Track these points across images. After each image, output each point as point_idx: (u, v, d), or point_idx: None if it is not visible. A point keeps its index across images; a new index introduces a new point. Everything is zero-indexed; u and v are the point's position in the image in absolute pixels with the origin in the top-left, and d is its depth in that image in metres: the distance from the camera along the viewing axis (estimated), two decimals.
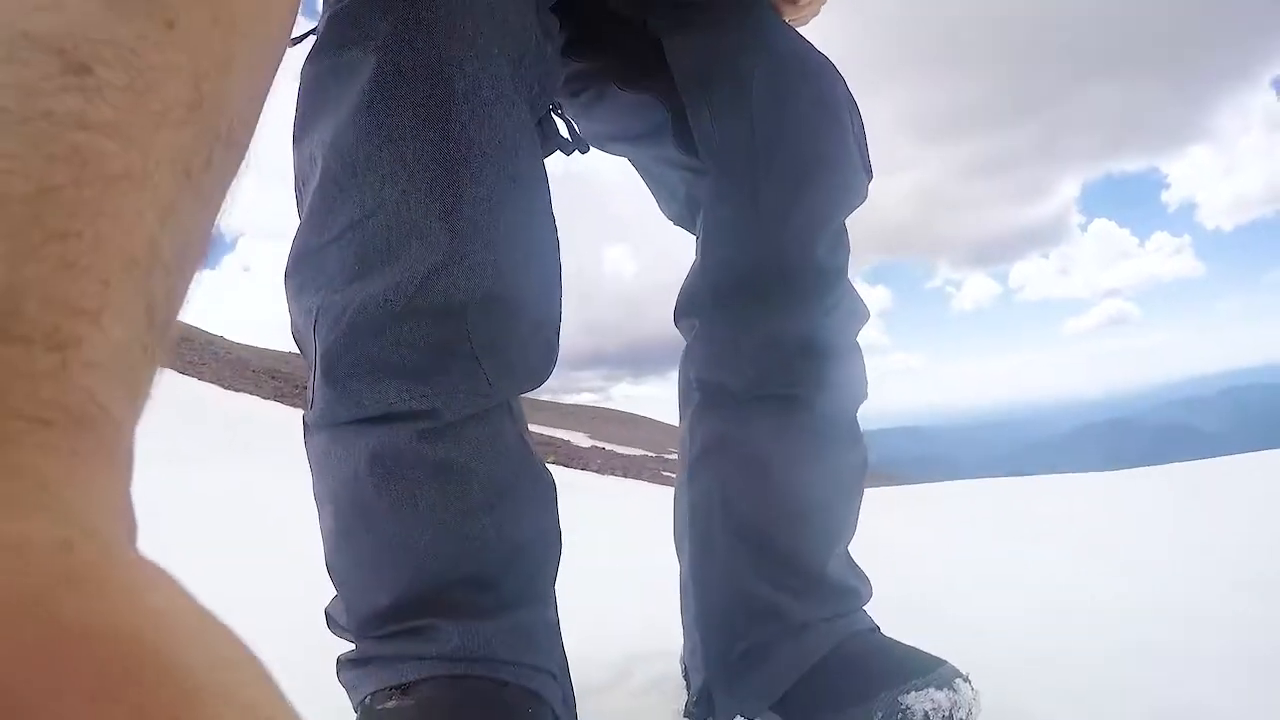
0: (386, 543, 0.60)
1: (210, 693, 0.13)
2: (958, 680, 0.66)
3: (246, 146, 0.25)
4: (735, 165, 0.72)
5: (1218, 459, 2.85)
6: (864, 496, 0.80)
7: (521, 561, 0.64)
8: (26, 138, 0.18)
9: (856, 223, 0.81)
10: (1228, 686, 0.81)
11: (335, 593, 0.66)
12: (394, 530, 0.60)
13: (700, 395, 0.78)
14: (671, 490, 0.84)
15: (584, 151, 0.74)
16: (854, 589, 0.77)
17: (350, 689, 0.63)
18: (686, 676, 0.82)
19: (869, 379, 0.82)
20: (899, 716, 0.65)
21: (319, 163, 0.57)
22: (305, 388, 0.64)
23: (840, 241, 0.76)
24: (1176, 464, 2.93)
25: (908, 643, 0.73)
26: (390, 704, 0.58)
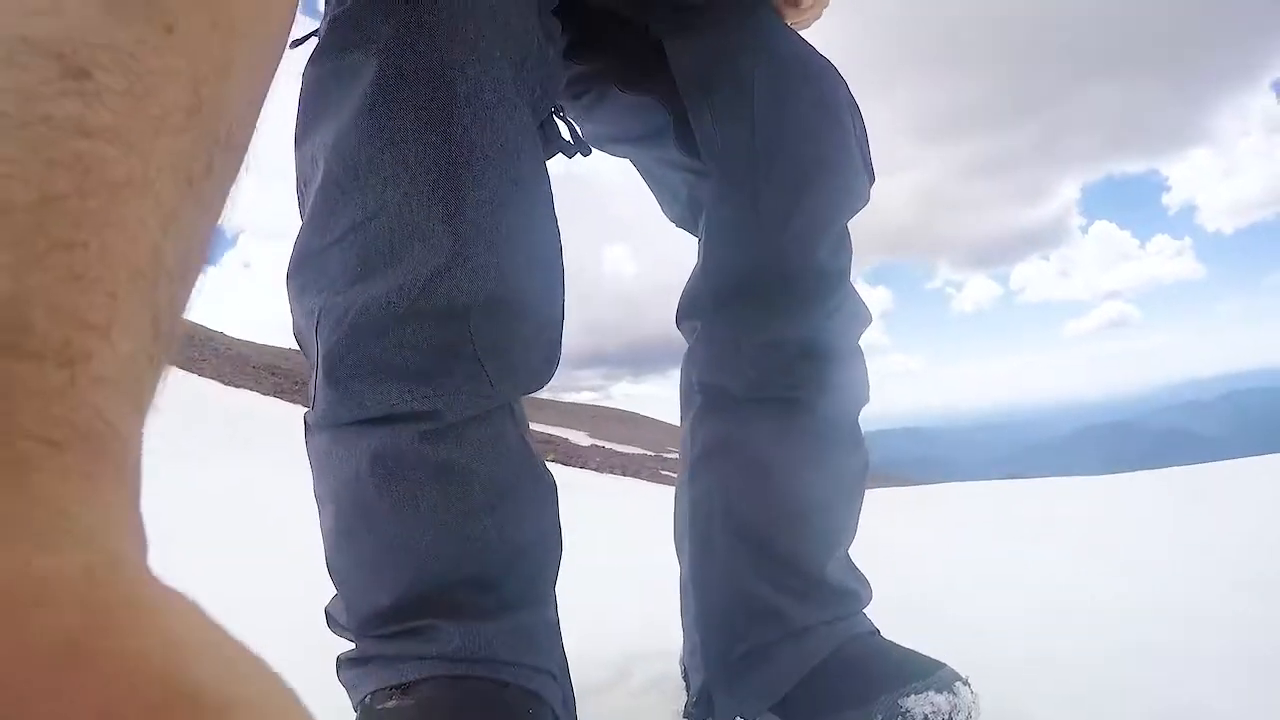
0: (388, 543, 0.60)
1: None
2: (957, 683, 0.67)
3: (245, 151, 0.25)
4: (737, 168, 0.72)
5: (1217, 463, 2.85)
6: (864, 499, 0.80)
7: (522, 562, 0.64)
8: (26, 143, 0.17)
9: (857, 224, 0.81)
10: (1227, 687, 0.81)
11: (335, 591, 0.66)
12: (395, 531, 0.60)
13: (702, 397, 0.78)
14: (671, 489, 0.84)
15: (585, 154, 0.74)
16: (854, 592, 0.77)
17: (350, 688, 0.63)
18: (686, 677, 0.82)
19: (869, 381, 0.82)
20: (899, 719, 0.65)
21: (321, 165, 0.57)
22: (305, 384, 0.64)
23: (842, 244, 0.76)
24: (1176, 467, 2.93)
25: (907, 644, 0.73)
26: (390, 704, 0.58)
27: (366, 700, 0.60)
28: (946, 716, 0.64)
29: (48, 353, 0.16)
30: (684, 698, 0.81)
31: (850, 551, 0.80)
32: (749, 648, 0.73)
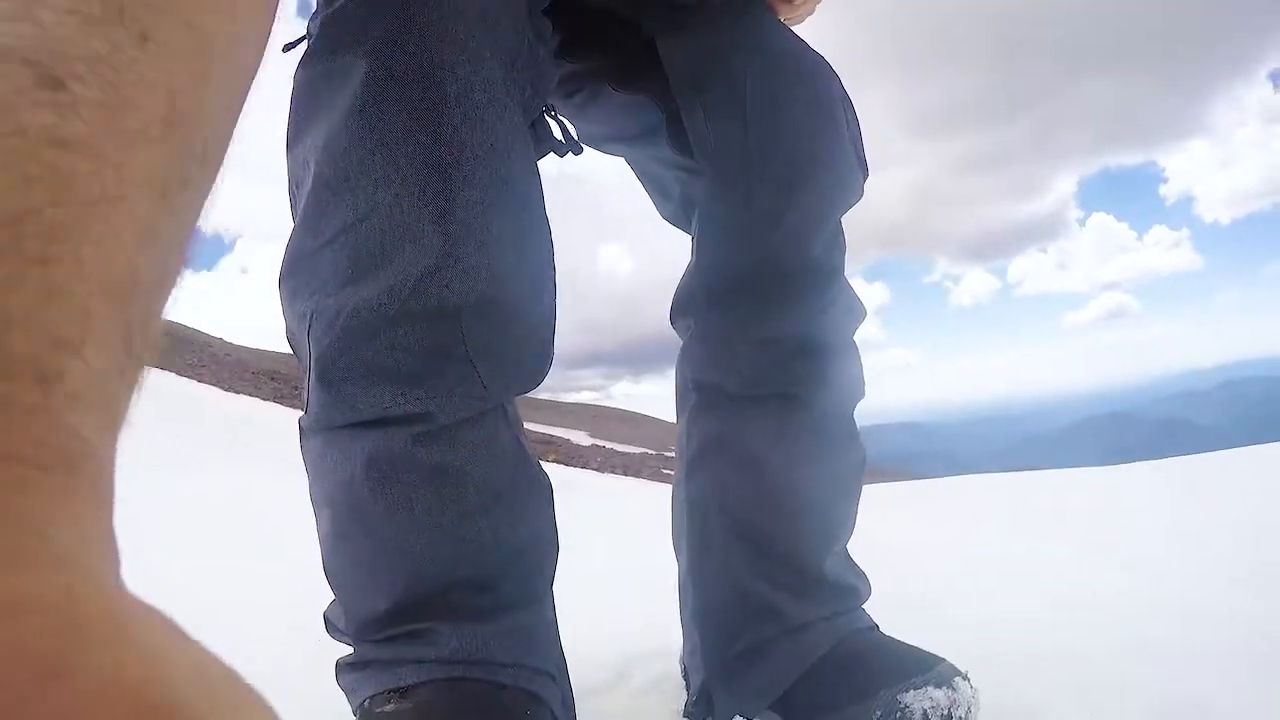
0: (383, 546, 0.60)
1: None
2: (956, 678, 0.67)
3: (220, 164, 0.25)
4: (730, 165, 0.72)
5: (1215, 453, 2.85)
6: (862, 493, 0.80)
7: (519, 564, 0.64)
8: (0, 155, 0.17)
9: (853, 219, 0.81)
10: (1227, 682, 0.81)
11: (333, 596, 0.66)
12: (391, 534, 0.60)
13: (697, 395, 0.78)
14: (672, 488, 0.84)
15: (577, 153, 0.74)
16: (853, 587, 0.77)
17: (349, 692, 0.63)
18: (686, 676, 0.82)
19: (866, 376, 0.82)
20: (898, 715, 0.65)
21: (312, 167, 0.57)
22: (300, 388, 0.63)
23: (836, 240, 0.76)
24: (1174, 458, 2.93)
25: (907, 639, 0.73)
26: (389, 707, 0.58)
27: (365, 704, 0.60)
28: (946, 711, 0.64)
29: (22, 371, 0.16)
30: (684, 697, 0.81)
31: (849, 547, 0.80)
32: (747, 645, 0.73)
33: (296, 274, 0.59)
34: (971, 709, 0.66)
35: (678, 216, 0.85)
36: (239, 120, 0.26)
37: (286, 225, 0.61)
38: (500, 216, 0.57)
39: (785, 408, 0.75)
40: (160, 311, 0.21)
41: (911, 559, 1.51)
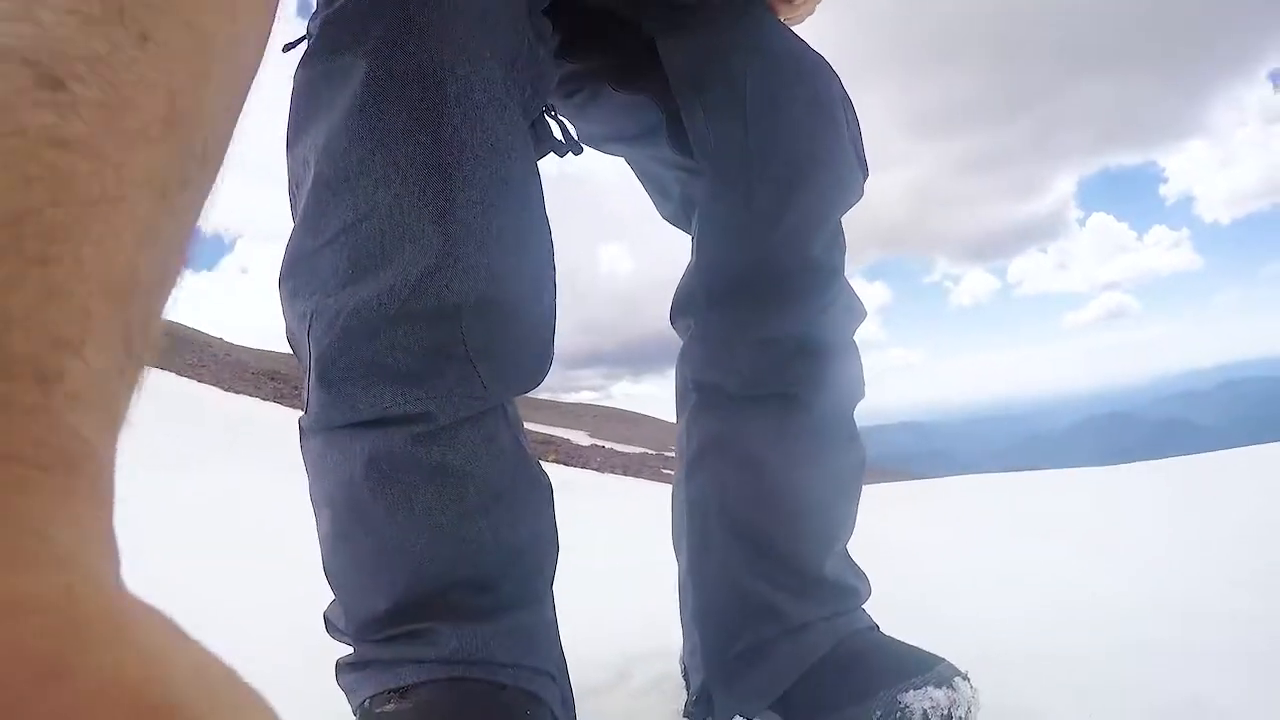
0: (383, 546, 0.60)
1: None
2: (956, 678, 0.67)
3: (221, 164, 0.25)
4: (730, 165, 0.73)
5: (1215, 453, 2.85)
6: (862, 493, 0.80)
7: (519, 564, 0.64)
8: (0, 155, 0.17)
9: (853, 219, 0.81)
10: (1227, 681, 0.81)
11: (333, 596, 0.66)
12: (391, 534, 0.60)
13: (697, 396, 0.78)
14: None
15: (577, 153, 0.75)
16: (853, 587, 0.77)
17: (349, 692, 0.63)
18: (686, 676, 0.82)
19: (867, 376, 0.82)
20: (898, 715, 0.65)
21: (312, 167, 0.57)
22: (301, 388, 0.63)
23: (836, 240, 0.76)
24: (1174, 458, 2.93)
25: (907, 639, 0.73)
26: (389, 707, 0.58)
27: (365, 704, 0.60)
28: (946, 711, 0.64)
29: (22, 371, 0.16)
30: (684, 697, 0.81)
31: (849, 547, 0.80)
32: (747, 645, 0.73)
33: (296, 274, 0.59)
34: (971, 709, 0.66)
35: (678, 216, 0.85)
36: (239, 120, 0.26)
37: (287, 225, 0.61)
38: (500, 216, 0.57)
39: (785, 408, 0.75)
40: (160, 311, 0.21)
41: (912, 559, 1.51)
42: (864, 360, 0.81)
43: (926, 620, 0.91)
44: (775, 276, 0.73)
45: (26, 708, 0.12)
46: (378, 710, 0.59)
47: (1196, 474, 2.53)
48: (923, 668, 0.67)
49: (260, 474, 3.29)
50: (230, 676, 0.15)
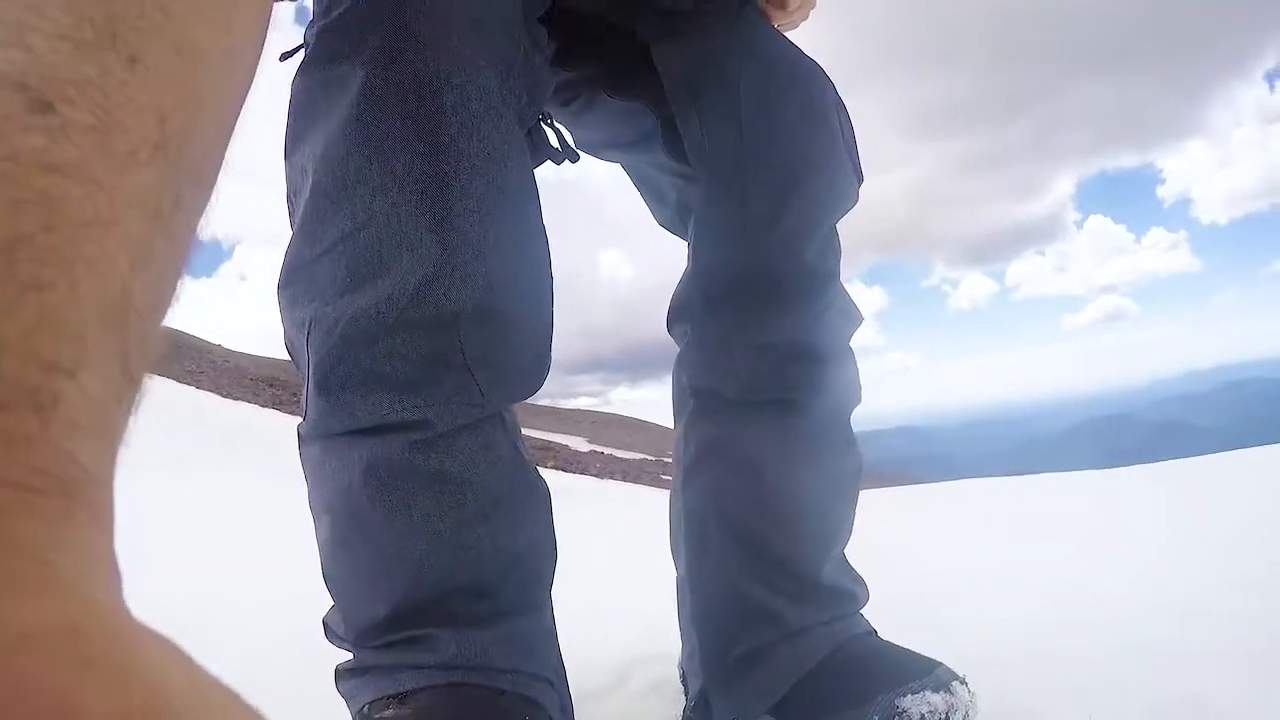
0: (382, 553, 0.60)
1: None
2: (954, 683, 0.67)
3: (214, 183, 0.25)
4: (724, 171, 0.73)
5: (1214, 455, 2.85)
6: (860, 498, 0.80)
7: (517, 570, 0.64)
8: None
9: (850, 224, 0.81)
10: (1227, 681, 0.81)
11: (332, 602, 0.66)
12: (389, 540, 0.60)
13: (694, 401, 0.78)
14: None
15: (574, 160, 0.75)
16: (850, 592, 0.77)
17: (348, 698, 0.63)
18: (684, 681, 0.82)
19: (865, 380, 0.82)
20: (895, 719, 0.65)
21: (310, 176, 0.57)
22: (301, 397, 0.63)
23: (830, 245, 0.76)
24: (1173, 461, 2.93)
25: (905, 642, 0.73)
26: (388, 713, 0.58)
27: (364, 710, 0.60)
28: (943, 716, 0.64)
29: (18, 399, 0.16)
30: (683, 702, 0.81)
31: (847, 551, 0.80)
32: (746, 650, 0.73)
33: (295, 282, 0.60)
34: (969, 713, 0.66)
35: (674, 222, 0.85)
36: (233, 135, 0.26)
37: (285, 231, 0.61)
38: (497, 225, 0.58)
39: (782, 413, 0.75)
40: (157, 332, 0.21)
41: (910, 562, 1.51)
42: (862, 364, 0.81)
43: (926, 621, 0.91)
44: (770, 281, 0.73)
45: None
46: (377, 716, 0.59)
47: (1196, 476, 2.53)
48: (920, 672, 0.67)
49: (259, 480, 3.29)
50: (236, 703, 0.15)
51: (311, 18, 0.61)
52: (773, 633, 0.72)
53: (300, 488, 0.65)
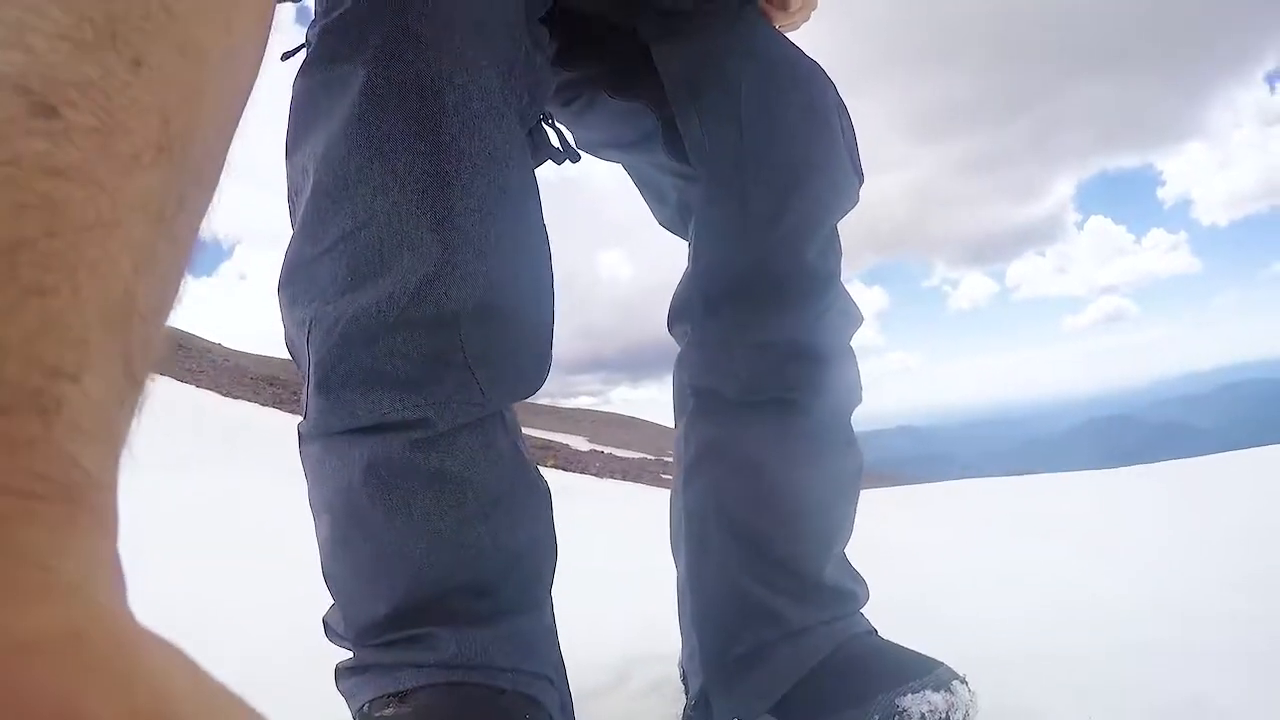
0: (382, 552, 0.60)
1: None
2: (955, 682, 0.67)
3: (216, 184, 0.25)
4: (725, 171, 0.73)
5: (1214, 456, 2.85)
6: (861, 497, 0.80)
7: (517, 568, 0.64)
8: None
9: (851, 224, 0.81)
10: (1227, 681, 0.81)
11: (333, 601, 0.66)
12: (390, 539, 0.60)
13: (695, 401, 0.78)
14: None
15: (575, 160, 0.75)
16: (851, 592, 0.77)
17: (349, 697, 0.63)
18: (685, 680, 0.82)
19: (865, 380, 0.82)
20: (896, 718, 0.65)
21: (311, 175, 0.57)
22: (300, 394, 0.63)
23: (831, 245, 0.76)
24: (1173, 461, 2.94)
25: (906, 642, 0.73)
26: (388, 711, 0.58)
27: (365, 709, 0.60)
28: (944, 715, 0.65)
29: (21, 403, 0.16)
30: (683, 701, 0.81)
31: (848, 551, 0.80)
32: (746, 649, 0.73)
33: (296, 281, 0.60)
34: (969, 712, 0.66)
35: (674, 222, 0.85)
36: (233, 139, 0.26)
37: (286, 231, 0.61)
38: (498, 224, 0.58)
39: (783, 413, 0.75)
40: (160, 334, 0.21)
41: (911, 562, 1.52)
42: (862, 364, 0.81)
43: (926, 621, 0.91)
44: (771, 281, 0.73)
45: None
46: (377, 715, 0.59)
47: (1196, 477, 2.53)
48: (921, 671, 0.67)
49: (259, 479, 3.29)
50: (241, 708, 0.15)
51: (313, 18, 0.61)
52: (773, 632, 0.72)
53: (301, 486, 0.65)
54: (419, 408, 0.58)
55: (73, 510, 0.16)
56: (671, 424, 0.85)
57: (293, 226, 0.60)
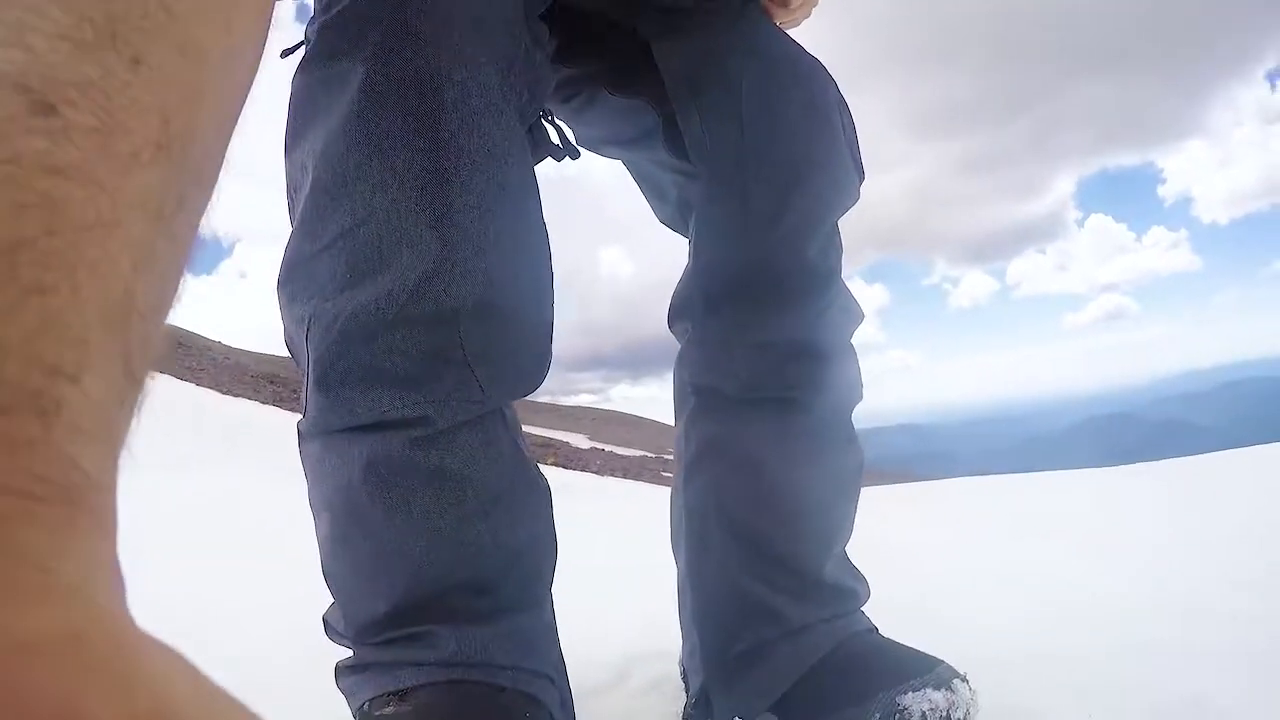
0: (382, 550, 0.60)
1: None
2: (955, 680, 0.67)
3: (216, 183, 0.25)
4: (726, 168, 0.73)
5: (1215, 454, 2.85)
6: (862, 495, 0.80)
7: (517, 566, 0.64)
8: None
9: (852, 222, 0.81)
10: (1227, 681, 0.81)
11: (332, 599, 0.66)
12: (389, 537, 0.60)
13: (695, 399, 0.78)
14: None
15: (575, 158, 0.75)
16: (852, 590, 0.77)
17: (349, 695, 0.63)
18: (685, 678, 0.82)
19: (866, 378, 0.82)
20: (896, 717, 0.65)
21: (310, 172, 0.57)
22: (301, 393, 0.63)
23: (832, 243, 0.76)
24: (1174, 459, 2.93)
25: (906, 640, 0.73)
26: (388, 710, 0.58)
27: (365, 707, 0.60)
28: (944, 713, 0.64)
29: (21, 404, 0.16)
30: (683, 699, 0.81)
31: (848, 549, 0.80)
32: (746, 647, 0.73)
33: (295, 278, 0.60)
34: (970, 711, 0.66)
35: (675, 219, 0.85)
36: (231, 138, 0.26)
37: (285, 228, 0.61)
38: (498, 221, 0.57)
39: (783, 411, 0.75)
40: (159, 332, 0.21)
41: (911, 560, 1.52)
42: (863, 362, 0.81)
43: (926, 621, 0.91)
44: (771, 279, 0.73)
45: None
46: (377, 713, 0.59)
47: (1196, 475, 2.53)
48: (921, 670, 0.67)
49: (259, 477, 3.29)
50: (241, 712, 0.15)
51: (312, 14, 0.61)
52: (773, 630, 0.72)
53: (300, 485, 0.65)
54: (418, 405, 0.58)
55: (72, 512, 0.16)
56: (672, 422, 0.85)
57: (292, 224, 0.60)
